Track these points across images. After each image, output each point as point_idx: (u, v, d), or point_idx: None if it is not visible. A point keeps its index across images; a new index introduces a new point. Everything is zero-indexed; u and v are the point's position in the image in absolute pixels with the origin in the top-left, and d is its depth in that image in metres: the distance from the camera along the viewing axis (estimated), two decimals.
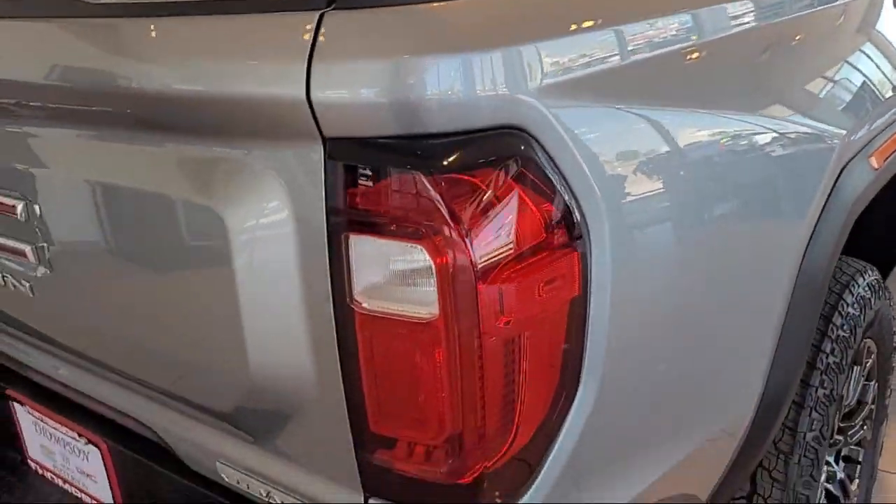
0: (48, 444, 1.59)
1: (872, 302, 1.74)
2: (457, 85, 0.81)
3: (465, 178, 0.83)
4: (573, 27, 0.92)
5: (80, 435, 1.47)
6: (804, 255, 1.33)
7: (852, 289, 1.67)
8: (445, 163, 0.82)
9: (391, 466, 0.96)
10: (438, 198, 0.82)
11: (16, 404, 1.61)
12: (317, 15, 0.82)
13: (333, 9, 0.82)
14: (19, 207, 1.15)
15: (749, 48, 1.21)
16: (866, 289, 1.72)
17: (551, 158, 0.87)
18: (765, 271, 1.29)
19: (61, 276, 1.16)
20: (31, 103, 1.09)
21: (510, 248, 0.85)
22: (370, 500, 1.00)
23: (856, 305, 1.66)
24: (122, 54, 0.96)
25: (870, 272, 1.78)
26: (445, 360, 0.86)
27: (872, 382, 1.97)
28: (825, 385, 1.56)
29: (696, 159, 1.09)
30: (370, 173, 0.84)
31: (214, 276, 0.96)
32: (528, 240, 0.86)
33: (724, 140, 1.13)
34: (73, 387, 1.39)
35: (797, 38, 1.34)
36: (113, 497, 1.47)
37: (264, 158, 0.89)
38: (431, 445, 0.92)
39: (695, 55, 1.06)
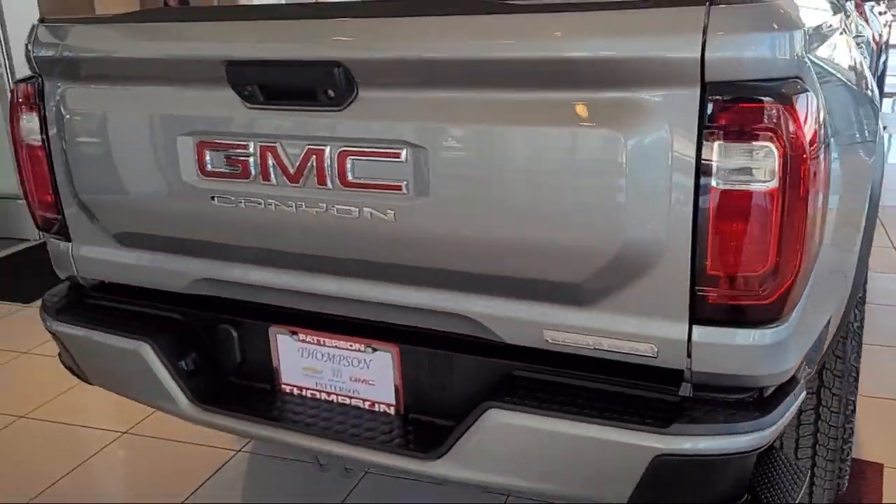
0: (314, 364, 1.98)
1: None
2: (779, 50, 1.41)
3: (782, 103, 1.41)
4: (811, 24, 1.55)
5: (366, 346, 1.89)
6: (871, 186, 2.01)
7: None
8: (775, 94, 1.40)
9: (716, 297, 1.50)
10: (778, 113, 1.39)
11: (280, 336, 1.99)
12: (705, 8, 1.38)
13: (711, 4, 1.39)
14: (404, 153, 1.61)
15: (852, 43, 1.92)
16: None
17: (813, 95, 1.47)
18: (863, 194, 1.95)
19: (437, 199, 1.61)
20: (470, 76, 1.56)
21: (810, 146, 1.43)
22: (693, 327, 1.53)
23: None
24: (573, 37, 1.48)
25: None
26: (776, 215, 1.43)
27: None
28: (858, 289, 2.25)
29: (850, 101, 1.77)
30: (732, 100, 1.40)
31: (606, 180, 1.47)
32: (818, 142, 1.45)
33: (855, 93, 1.83)
34: (382, 302, 1.81)
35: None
36: (395, 393, 1.89)
37: (656, 97, 1.43)
38: (751, 277, 1.47)
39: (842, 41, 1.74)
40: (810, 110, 1.45)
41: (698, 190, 1.44)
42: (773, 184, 1.42)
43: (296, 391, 2.03)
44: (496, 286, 1.68)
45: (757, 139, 1.41)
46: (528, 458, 1.67)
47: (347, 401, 1.97)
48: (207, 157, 1.83)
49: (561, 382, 1.69)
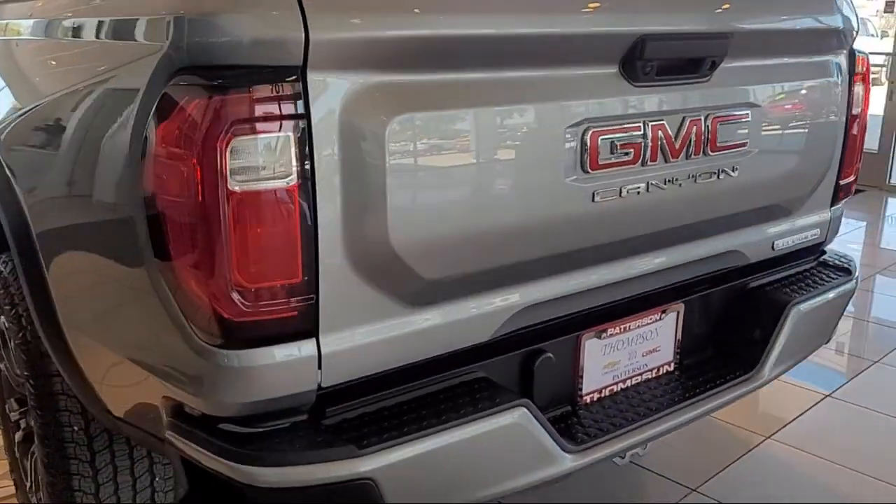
0: (614, 357, 1.90)
1: None
2: None
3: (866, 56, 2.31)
4: None
5: (659, 314, 1.95)
6: None
7: None
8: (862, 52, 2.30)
9: (843, 186, 2.30)
10: (867, 63, 2.29)
11: (588, 342, 1.83)
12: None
13: None
14: (750, 114, 1.86)
15: None
16: None
17: None
18: None
19: (761, 149, 1.91)
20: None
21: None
22: (831, 210, 2.31)
23: None
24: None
25: None
26: (863, 127, 2.33)
27: None
28: None
29: None
30: (860, 57, 2.23)
31: (834, 115, 2.09)
32: None
33: None
34: (675, 264, 1.92)
35: None
36: (673, 351, 2.02)
37: (839, 58, 2.13)
38: (857, 169, 2.33)
39: None
40: None
41: (848, 115, 2.24)
42: (862, 108, 2.33)
43: (595, 397, 1.89)
44: (753, 217, 2.08)
45: (867, 81, 2.29)
46: (806, 334, 2.16)
47: (639, 379, 1.97)
48: (600, 149, 1.60)
49: (783, 277, 2.22)
